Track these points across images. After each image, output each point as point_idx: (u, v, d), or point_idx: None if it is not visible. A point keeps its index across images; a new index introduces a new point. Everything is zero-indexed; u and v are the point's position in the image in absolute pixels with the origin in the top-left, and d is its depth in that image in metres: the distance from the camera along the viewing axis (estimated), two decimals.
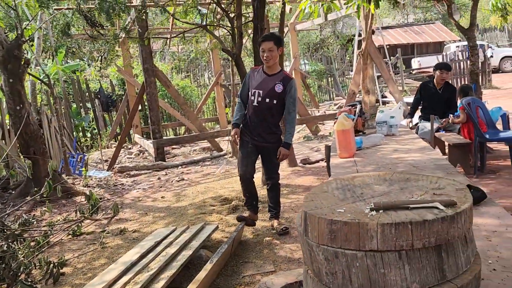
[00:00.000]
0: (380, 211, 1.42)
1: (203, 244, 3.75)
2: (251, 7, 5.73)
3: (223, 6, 6.32)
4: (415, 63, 21.84)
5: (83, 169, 7.45)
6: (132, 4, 5.02)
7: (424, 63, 21.36)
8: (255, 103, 3.82)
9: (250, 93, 3.88)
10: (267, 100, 3.76)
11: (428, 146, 3.54)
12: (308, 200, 1.52)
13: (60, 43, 13.05)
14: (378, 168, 2.96)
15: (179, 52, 16.72)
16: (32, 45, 8.69)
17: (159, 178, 7.45)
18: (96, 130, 12.33)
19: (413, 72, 20.88)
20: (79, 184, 7.25)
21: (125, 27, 5.13)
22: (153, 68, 8.48)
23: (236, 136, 3.94)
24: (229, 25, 5.78)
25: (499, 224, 1.94)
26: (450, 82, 5.90)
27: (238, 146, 4.10)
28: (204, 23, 5.73)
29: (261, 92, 3.77)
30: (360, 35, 11.77)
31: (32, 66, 8.38)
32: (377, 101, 11.18)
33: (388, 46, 22.70)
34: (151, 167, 8.26)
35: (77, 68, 14.72)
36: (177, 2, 6.59)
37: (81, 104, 12.47)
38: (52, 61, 12.09)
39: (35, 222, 5.37)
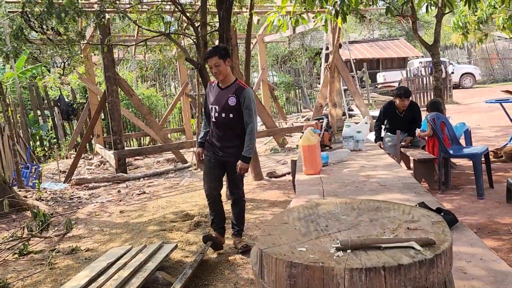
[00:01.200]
0: (348, 251, 1.22)
1: (161, 265, 3.51)
2: (217, 16, 5.58)
3: (188, 14, 6.15)
4: (380, 77, 22.36)
5: (37, 181, 7.01)
6: (89, 9, 4.75)
7: (389, 77, 21.92)
8: (213, 119, 3.77)
9: (209, 108, 3.82)
10: (223, 114, 3.68)
11: (394, 163, 3.46)
12: (264, 234, 1.32)
13: (20, 47, 12.48)
14: (344, 186, 2.84)
15: (145, 60, 16.37)
16: None
17: (119, 191, 7.11)
18: (55, 140, 11.78)
19: (379, 86, 21.34)
20: (32, 197, 6.80)
21: (80, 32, 4.85)
22: (115, 76, 8.17)
23: (199, 155, 3.93)
24: (194, 34, 5.60)
25: (473, 253, 1.83)
26: (413, 100, 5.88)
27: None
28: (168, 31, 5.53)
29: (217, 107, 3.71)
30: (327, 48, 11.86)
31: None
32: (344, 114, 11.24)
33: (354, 60, 23.17)
34: (111, 179, 7.89)
35: (37, 73, 14.11)
36: (141, 9, 6.37)
37: (39, 112, 11.89)
38: (10, 66, 11.52)
39: None
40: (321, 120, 4.44)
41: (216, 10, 6.00)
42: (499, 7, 7.85)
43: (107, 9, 4.95)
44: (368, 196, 2.53)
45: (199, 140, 4.02)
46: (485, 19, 8.68)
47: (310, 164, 3.35)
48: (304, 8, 6.31)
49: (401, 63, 24.23)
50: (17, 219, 5.91)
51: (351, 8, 6.00)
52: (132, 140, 13.15)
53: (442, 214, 2.00)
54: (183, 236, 4.48)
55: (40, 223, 4.76)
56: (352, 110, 14.13)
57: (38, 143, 11.54)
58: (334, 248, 1.23)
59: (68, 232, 5.02)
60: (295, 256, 1.19)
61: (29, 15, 4.07)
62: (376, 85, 21.30)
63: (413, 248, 1.22)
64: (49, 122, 11.99)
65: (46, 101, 12.10)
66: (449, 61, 21.28)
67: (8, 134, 7.49)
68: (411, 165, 5.67)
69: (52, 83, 11.91)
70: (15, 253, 4.37)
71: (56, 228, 5.21)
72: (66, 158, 10.79)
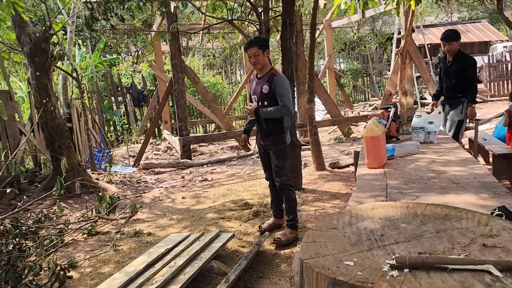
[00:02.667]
0: (405, 270, 0.99)
1: (217, 254, 3.49)
2: (281, 1, 5.41)
3: (252, 0, 6.04)
4: None
5: (108, 164, 7.36)
6: None
7: None
8: None
9: (252, 99, 3.96)
10: (260, 103, 3.78)
11: (471, 158, 3.11)
12: (308, 241, 1.14)
13: (98, 36, 13.22)
14: (411, 182, 2.59)
15: (213, 48, 16.62)
16: (65, 38, 8.72)
17: (182, 177, 7.27)
18: (127, 125, 12.37)
19: None
20: (103, 180, 7.17)
21: (145, 20, 4.95)
22: (181, 64, 8.32)
23: (243, 142, 4.08)
24: (257, 21, 5.49)
25: None
26: (465, 53, 4.99)
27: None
28: (231, 17, 5.47)
29: (255, 97, 3.83)
30: (399, 33, 11.20)
31: (64, 60, 8.39)
32: (415, 103, 10.58)
33: (429, 46, 21.77)
34: (176, 165, 8.10)
35: (115, 61, 14.87)
36: None
37: (113, 99, 12.53)
38: (88, 56, 12.22)
39: (54, 218, 5.31)
40: (388, 110, 4.14)
41: None
42: None
43: None
44: (437, 195, 2.27)
45: (244, 127, 4.16)
46: None
47: (373, 157, 3.12)
48: None
49: (482, 47, 22.34)
50: (89, 200, 6.26)
51: None
52: (198, 126, 13.43)
53: None
54: (241, 225, 4.45)
55: (107, 205, 4.97)
56: (425, 98, 13.30)
57: (111, 128, 12.19)
58: (388, 265, 1.02)
59: (133, 216, 5.21)
60: (340, 271, 1.01)
61: (93, 4, 4.21)
62: None
63: (489, 272, 0.97)
64: (122, 108, 12.60)
65: (119, 88, 12.70)
66: None
67: (84, 120, 7.94)
68: (490, 160, 5.16)
69: (125, 70, 12.47)
70: (84, 233, 4.61)
71: (122, 211, 5.44)
72: (136, 143, 11.29)
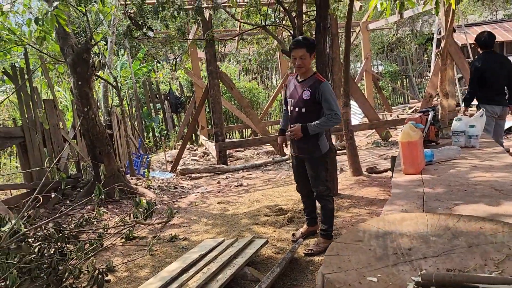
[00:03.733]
0: None
1: (250, 260, 3.48)
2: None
3: (286, 5, 6.03)
4: None
5: (146, 170, 7.54)
6: (186, 6, 4.91)
7: None
8: (289, 113, 3.75)
9: (288, 102, 3.78)
10: (297, 109, 3.61)
11: None
12: (331, 254, 1.08)
13: (139, 45, 13.64)
14: (449, 190, 2.47)
15: (249, 54, 16.71)
16: (106, 48, 9.05)
17: (218, 182, 7.33)
18: (165, 131, 12.64)
19: None
20: (141, 185, 7.35)
21: (179, 28, 5.05)
22: (217, 70, 8.41)
23: (281, 143, 3.93)
24: (291, 25, 5.47)
25: None
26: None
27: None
28: (265, 23, 5.48)
29: (292, 101, 3.67)
30: (439, 33, 10.84)
31: (105, 69, 8.70)
32: (458, 105, 10.19)
33: (473, 45, 20.92)
34: (212, 170, 8.18)
35: (152, 68, 15.28)
36: (239, 3, 6.42)
37: (151, 105, 12.85)
38: (132, 63, 12.61)
39: (95, 222, 5.48)
40: (426, 113, 4.00)
41: None
42: None
43: (204, 5, 5.07)
44: (478, 204, 2.16)
45: (280, 128, 3.97)
46: None
47: (410, 163, 3.01)
48: None
49: None
50: (127, 205, 6.43)
51: None
52: (235, 132, 13.52)
53: None
54: (275, 231, 4.42)
55: (145, 211, 5.08)
56: None
57: (150, 134, 12.49)
58: (413, 282, 0.95)
59: (170, 221, 5.30)
60: (363, 287, 0.95)
61: (131, 15, 4.34)
62: None
63: None
64: (160, 114, 12.89)
65: (158, 95, 13.02)
66: None
67: (123, 127, 8.18)
68: None
69: (163, 78, 12.76)
70: (122, 238, 4.73)
71: (159, 216, 5.54)
72: (174, 148, 11.50)
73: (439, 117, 4.12)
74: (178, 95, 13.24)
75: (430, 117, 3.91)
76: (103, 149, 6.63)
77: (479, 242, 1.07)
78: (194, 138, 12.65)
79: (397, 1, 6.45)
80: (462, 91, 13.00)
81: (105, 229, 4.75)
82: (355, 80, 13.81)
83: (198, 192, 6.79)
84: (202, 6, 5.00)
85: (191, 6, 4.98)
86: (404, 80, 17.55)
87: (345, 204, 5.05)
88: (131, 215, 5.01)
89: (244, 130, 13.32)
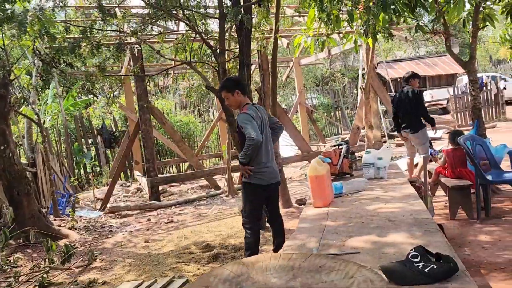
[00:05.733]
0: None
1: None
2: None
3: (212, 43, 6.17)
4: (427, 95, 21.42)
5: (70, 209, 7.19)
6: (108, 42, 4.88)
7: (436, 95, 20.95)
8: None
9: None
10: (239, 141, 3.83)
11: (414, 194, 3.14)
12: None
13: (74, 80, 13.18)
14: (349, 222, 2.59)
15: (188, 87, 16.74)
16: (31, 83, 8.68)
17: (148, 220, 7.12)
18: (98, 167, 12.19)
19: (426, 105, 20.44)
20: (65, 226, 6.97)
21: (98, 65, 5.00)
22: (148, 105, 8.34)
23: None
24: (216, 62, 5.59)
25: None
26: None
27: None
28: (190, 59, 5.56)
29: None
30: (364, 69, 11.55)
31: (30, 104, 8.31)
32: (383, 136, 10.78)
33: (399, 79, 22.42)
34: (143, 207, 7.95)
35: (90, 102, 14.81)
36: (167, 39, 6.48)
37: (83, 141, 12.40)
38: (65, 97, 12.13)
39: (8, 270, 5.09)
40: (340, 147, 4.20)
41: None
42: None
43: (126, 41, 5.08)
44: (369, 235, 2.27)
45: None
46: None
47: (318, 196, 3.12)
48: (330, 29, 6.15)
49: (449, 80, 23.15)
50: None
51: (378, 27, 5.77)
52: (172, 166, 13.33)
53: (441, 261, 1.73)
54: (199, 269, 4.35)
55: (62, 254, 4.81)
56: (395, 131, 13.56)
57: (82, 170, 11.98)
58: None
59: (91, 264, 5.04)
60: None
61: (39, 51, 4.24)
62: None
63: None
64: (93, 150, 12.44)
65: (90, 130, 12.61)
66: (500, 76, 20.10)
67: (47, 164, 7.79)
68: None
69: (93, 112, 12.40)
70: (36, 285, 4.41)
71: (81, 259, 5.26)
72: (107, 185, 11.07)
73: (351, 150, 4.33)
74: (112, 129, 12.90)
75: (343, 151, 4.11)
76: (22, 189, 6.24)
77: (312, 282, 1.13)
78: (129, 174, 12.30)
79: (319, 40, 6.84)
80: (389, 122, 13.81)
81: (16, 277, 4.42)
82: (290, 113, 14.26)
83: (126, 231, 6.55)
84: (125, 42, 5.01)
85: (112, 42, 4.95)
86: (337, 112, 18.36)
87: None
88: (46, 260, 4.71)
89: (181, 164, 13.16)
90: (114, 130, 12.84)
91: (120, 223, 7.18)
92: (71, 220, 7.08)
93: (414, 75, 6.12)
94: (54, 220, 7.16)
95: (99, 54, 4.88)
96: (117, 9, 8.26)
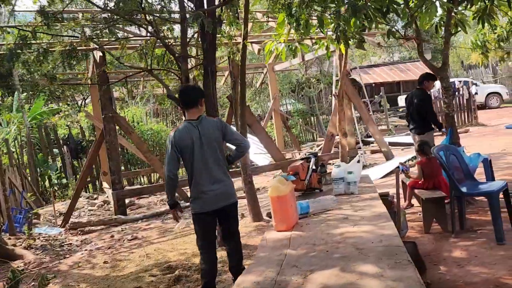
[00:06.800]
0: None
1: None
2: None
3: (177, 49, 5.85)
4: (402, 100, 21.57)
5: (25, 227, 6.71)
6: (53, 49, 4.52)
7: None
8: None
9: None
10: None
11: (385, 213, 2.88)
12: None
13: (42, 88, 12.60)
14: (312, 251, 2.30)
15: (161, 94, 16.29)
16: None
17: (112, 236, 6.70)
18: (64, 178, 11.62)
19: (400, 110, 20.54)
20: (21, 245, 6.49)
21: (45, 73, 4.61)
22: (113, 114, 7.93)
23: None
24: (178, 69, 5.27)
25: None
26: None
27: None
28: (150, 67, 5.23)
29: None
30: (337, 75, 11.40)
31: None
32: (358, 142, 10.62)
33: (374, 85, 22.56)
34: (107, 222, 7.52)
35: (58, 111, 14.21)
36: (129, 45, 6.13)
37: (48, 151, 11.82)
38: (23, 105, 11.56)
39: None
40: (308, 160, 3.92)
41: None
42: None
43: (80, 47, 4.72)
44: (333, 269, 2.00)
45: None
46: (505, 37, 8.10)
47: (280, 219, 2.83)
48: (300, 36, 5.91)
49: None
50: (1, 270, 5.58)
51: (349, 33, 5.57)
52: (143, 176, 12.85)
53: None
54: None
55: (9, 280, 4.39)
56: (370, 136, 13.46)
57: (46, 182, 11.40)
58: None
59: None
60: None
61: None
62: (398, 109, 20.53)
63: None
64: (58, 161, 11.88)
65: (55, 140, 12.05)
66: (472, 81, 20.40)
67: (1, 179, 7.27)
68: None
69: (59, 120, 11.86)
70: None
71: (32, 284, 4.83)
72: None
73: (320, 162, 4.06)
74: (79, 139, 12.36)
75: (311, 164, 3.84)
76: None
77: None
78: (98, 185, 11.77)
79: (290, 47, 6.59)
80: (364, 128, 13.72)
81: None
82: (264, 120, 14.00)
83: (86, 250, 6.12)
84: (79, 48, 4.65)
85: (68, 48, 4.59)
86: (313, 118, 18.22)
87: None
88: None
89: (152, 174, 12.70)
90: (82, 139, 12.30)
91: (81, 240, 6.73)
92: (27, 239, 6.60)
93: (427, 77, 5.94)
94: (9, 239, 6.66)
95: (50, 62, 4.49)
96: (80, 14, 7.87)
